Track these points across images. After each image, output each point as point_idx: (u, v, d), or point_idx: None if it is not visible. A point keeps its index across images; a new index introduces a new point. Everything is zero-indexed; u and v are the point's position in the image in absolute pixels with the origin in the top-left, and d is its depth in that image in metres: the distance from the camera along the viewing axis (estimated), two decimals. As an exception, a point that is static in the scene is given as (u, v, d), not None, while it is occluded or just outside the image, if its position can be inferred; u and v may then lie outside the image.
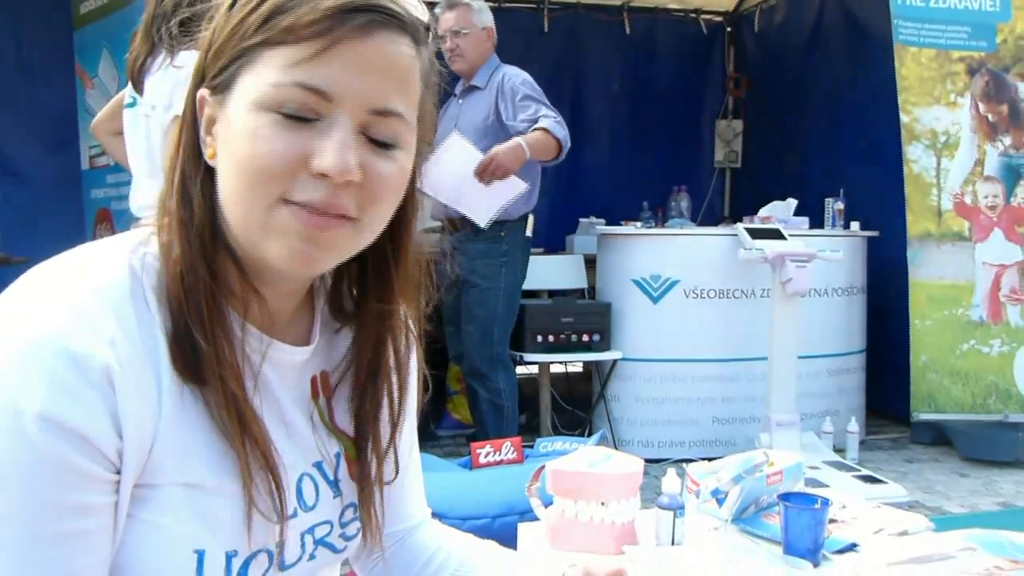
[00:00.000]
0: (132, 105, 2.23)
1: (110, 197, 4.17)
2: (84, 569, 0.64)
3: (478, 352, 3.49)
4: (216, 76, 0.70)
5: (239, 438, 0.70)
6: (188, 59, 2.13)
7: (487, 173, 3.20)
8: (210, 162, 0.71)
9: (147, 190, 2.27)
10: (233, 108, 0.68)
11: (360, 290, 0.83)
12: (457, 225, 3.42)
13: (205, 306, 0.69)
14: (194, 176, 0.71)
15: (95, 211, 4.38)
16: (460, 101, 3.54)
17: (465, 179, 3.21)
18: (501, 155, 3.19)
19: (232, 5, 0.70)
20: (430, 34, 0.74)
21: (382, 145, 0.70)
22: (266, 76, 0.67)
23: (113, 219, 4.11)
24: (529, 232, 3.54)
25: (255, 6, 0.68)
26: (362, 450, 0.84)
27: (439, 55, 0.76)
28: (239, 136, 0.67)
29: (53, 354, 0.62)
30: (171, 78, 2.10)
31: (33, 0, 4.83)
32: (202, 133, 0.71)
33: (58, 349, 0.62)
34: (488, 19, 3.49)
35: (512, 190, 3.30)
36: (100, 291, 0.66)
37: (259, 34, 0.67)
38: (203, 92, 0.71)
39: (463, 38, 3.41)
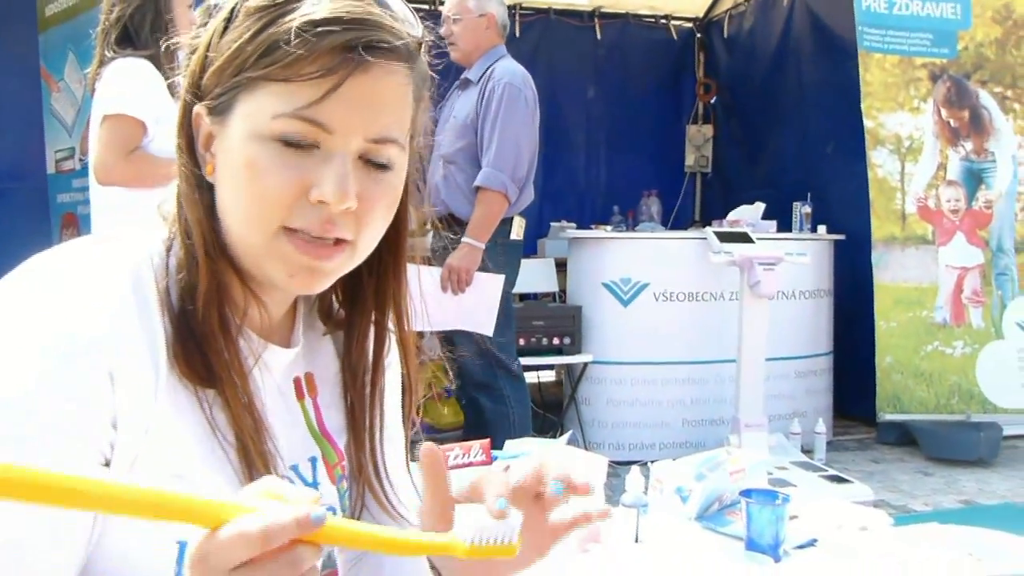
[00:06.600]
0: None
1: (76, 202, 4.12)
2: (58, 564, 0.63)
3: (473, 362, 3.17)
4: (215, 98, 0.71)
5: (247, 436, 0.72)
6: (118, 67, 2.21)
7: (451, 284, 3.06)
8: (208, 178, 0.73)
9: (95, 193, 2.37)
10: (232, 133, 0.70)
11: (354, 296, 0.84)
12: (447, 224, 3.17)
13: (215, 311, 0.71)
14: (193, 187, 0.73)
15: (61, 215, 4.32)
16: (459, 94, 3.27)
17: (442, 299, 3.02)
18: (455, 263, 3.04)
19: (226, 27, 0.70)
20: (422, 46, 0.74)
21: (377, 167, 0.72)
22: (267, 107, 0.68)
23: (79, 224, 4.06)
24: (515, 235, 3.28)
25: (252, 34, 0.68)
26: (358, 445, 0.85)
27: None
28: (239, 164, 0.69)
29: (52, 345, 0.63)
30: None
31: (-3, 2, 4.78)
32: (199, 148, 0.73)
33: (57, 340, 0.63)
34: (488, 5, 3.21)
35: (492, 285, 3.11)
36: (102, 284, 0.67)
37: (258, 68, 0.68)
38: (200, 109, 0.72)
39: (456, 24, 3.20)
